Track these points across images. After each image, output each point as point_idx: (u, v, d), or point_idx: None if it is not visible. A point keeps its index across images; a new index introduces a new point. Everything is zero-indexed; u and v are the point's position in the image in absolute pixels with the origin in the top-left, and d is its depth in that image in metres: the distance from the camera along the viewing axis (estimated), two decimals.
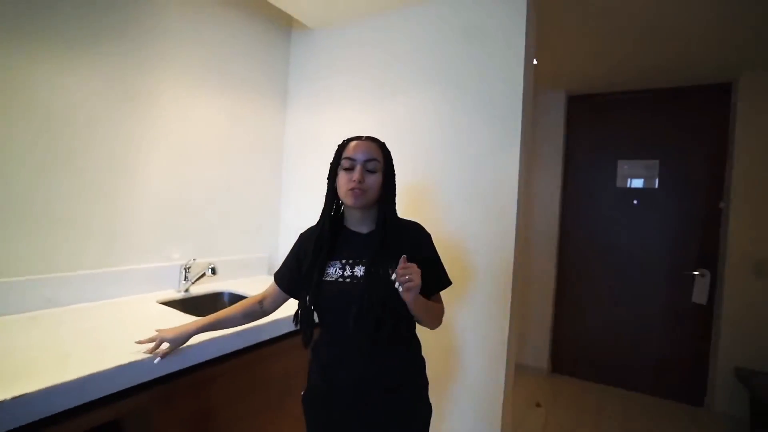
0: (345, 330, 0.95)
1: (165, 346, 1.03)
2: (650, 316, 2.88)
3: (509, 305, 1.65)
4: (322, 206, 1.05)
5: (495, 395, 1.69)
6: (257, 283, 1.99)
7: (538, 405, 2.65)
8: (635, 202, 2.94)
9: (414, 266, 0.87)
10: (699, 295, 2.68)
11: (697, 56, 2.37)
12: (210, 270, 1.70)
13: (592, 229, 3.09)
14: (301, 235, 1.12)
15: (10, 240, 1.27)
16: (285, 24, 2.28)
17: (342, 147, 1.02)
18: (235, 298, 1.83)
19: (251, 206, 2.16)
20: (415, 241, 1.02)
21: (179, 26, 1.72)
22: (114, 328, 1.24)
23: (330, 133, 2.16)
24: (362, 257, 0.97)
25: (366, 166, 0.97)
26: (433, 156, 1.84)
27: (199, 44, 1.81)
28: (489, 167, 1.72)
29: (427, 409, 1.06)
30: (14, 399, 0.78)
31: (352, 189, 0.95)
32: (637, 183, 2.93)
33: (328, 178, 1.04)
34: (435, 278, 1.04)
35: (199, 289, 1.79)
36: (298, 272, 1.05)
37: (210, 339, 1.17)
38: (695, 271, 2.72)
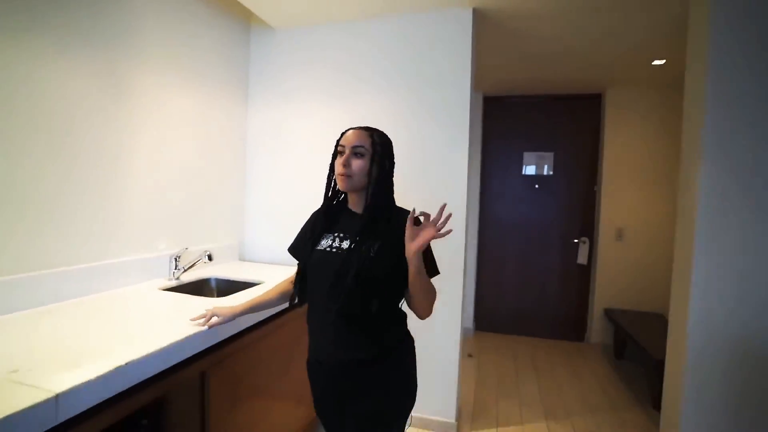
0: (323, 298, 1.06)
1: (215, 319, 1.23)
2: (548, 277, 3.65)
3: (462, 279, 2.10)
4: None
5: (453, 350, 2.14)
6: (235, 269, 2.14)
7: (470, 355, 3.22)
8: (536, 186, 3.65)
9: (430, 228, 0.95)
10: (582, 257, 3.50)
11: (577, 73, 3.06)
12: (207, 257, 1.83)
13: (506, 208, 3.74)
14: (313, 213, 1.25)
15: (12, 237, 1.30)
16: (245, 22, 2.38)
17: (340, 135, 1.12)
18: (222, 282, 1.98)
19: (219, 196, 2.27)
20: (403, 226, 1.01)
21: (152, 19, 1.77)
22: (141, 314, 1.37)
23: (293, 127, 2.36)
24: (353, 234, 1.06)
25: (353, 151, 1.06)
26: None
27: (169, 39, 1.86)
28: (441, 163, 2.12)
29: (405, 384, 1.10)
30: (126, 364, 0.95)
31: (341, 174, 1.06)
32: (538, 170, 3.64)
33: (330, 165, 1.14)
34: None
35: (188, 276, 1.90)
36: (303, 242, 1.19)
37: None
38: (580, 238, 3.53)
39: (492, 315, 3.82)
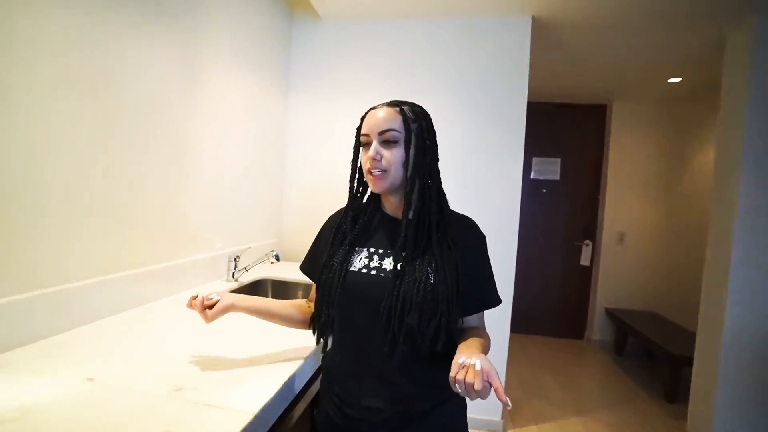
0: (362, 338, 0.80)
1: (212, 300, 0.88)
2: (552, 278, 3.81)
3: (512, 283, 2.15)
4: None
5: (501, 350, 2.18)
6: (282, 270, 2.05)
7: None
8: (543, 190, 3.79)
9: (474, 364, 0.62)
10: (585, 259, 3.68)
11: (587, 85, 3.21)
12: (274, 257, 1.73)
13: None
14: (330, 217, 0.95)
15: (89, 241, 1.15)
16: (288, 9, 2.27)
17: (360, 120, 0.83)
18: (278, 283, 1.88)
19: (261, 192, 2.15)
20: (461, 240, 0.81)
21: (221, 8, 1.64)
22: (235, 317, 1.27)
23: (335, 123, 2.29)
24: (395, 249, 0.78)
25: (382, 138, 0.78)
26: (443, 156, 2.18)
27: (232, 26, 1.74)
28: (494, 169, 2.14)
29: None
30: (290, 378, 0.88)
31: (371, 172, 0.78)
32: (545, 175, 3.78)
33: (352, 161, 0.86)
34: (479, 292, 0.82)
35: (244, 277, 1.79)
36: (321, 258, 0.87)
37: None
38: (583, 241, 3.71)
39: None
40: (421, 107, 0.85)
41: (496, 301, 0.84)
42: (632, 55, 2.55)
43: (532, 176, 3.80)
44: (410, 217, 0.79)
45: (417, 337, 0.73)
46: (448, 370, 0.66)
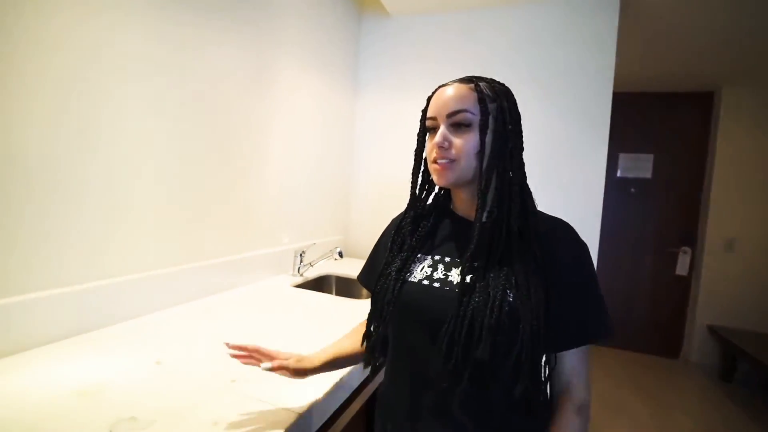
0: (420, 368, 0.64)
1: (267, 366, 0.70)
2: (639, 287, 3.41)
3: None
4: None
5: None
6: (345, 267, 2.06)
7: None
8: (632, 190, 3.41)
9: None
10: (682, 268, 3.24)
11: (689, 69, 2.80)
12: (338, 253, 1.75)
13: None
14: (392, 220, 0.85)
15: (164, 234, 1.23)
16: (357, 7, 2.28)
17: (426, 103, 0.71)
18: (342, 280, 1.89)
19: (328, 189, 2.18)
20: (553, 250, 0.63)
21: (285, 10, 1.68)
22: (299, 312, 1.29)
23: (405, 120, 2.24)
24: (464, 257, 0.64)
25: (452, 121, 0.65)
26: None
27: (300, 23, 1.78)
28: (575, 164, 1.95)
29: None
30: (342, 379, 0.85)
31: (436, 162, 0.66)
32: (634, 173, 3.40)
33: (416, 151, 0.74)
34: (579, 320, 0.62)
35: (309, 272, 1.82)
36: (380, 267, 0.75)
37: None
38: (679, 248, 3.27)
39: None
40: (503, 84, 0.69)
41: (602, 332, 0.62)
42: (749, 31, 2.17)
43: (618, 174, 3.44)
44: (484, 219, 0.65)
45: (488, 375, 0.58)
46: (532, 418, 0.57)
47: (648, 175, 3.36)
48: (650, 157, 3.35)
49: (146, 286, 1.10)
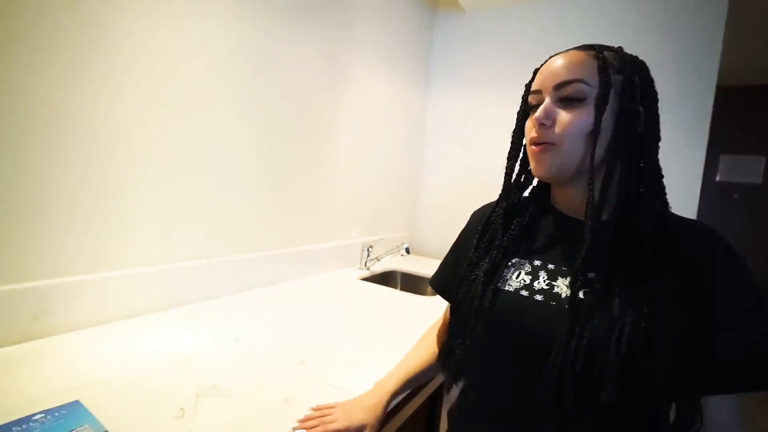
0: (518, 402, 0.52)
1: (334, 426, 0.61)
2: None
3: None
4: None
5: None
6: (411, 263, 2.05)
7: None
8: (735, 196, 3.01)
9: None
10: None
11: None
12: (405, 249, 1.76)
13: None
14: (474, 213, 0.72)
15: (246, 221, 1.31)
16: (429, 7, 2.26)
17: (533, 73, 0.59)
18: (407, 276, 1.90)
19: (397, 185, 2.20)
20: (701, 263, 0.48)
21: (357, 8, 1.71)
22: (367, 305, 1.31)
23: (477, 118, 2.18)
24: (574, 264, 0.49)
25: (560, 95, 0.52)
26: None
27: (372, 22, 1.80)
28: (669, 162, 1.76)
29: None
30: None
31: (535, 143, 0.53)
32: (739, 177, 3.00)
33: (513, 132, 0.62)
34: (752, 353, 0.45)
35: (375, 267, 1.85)
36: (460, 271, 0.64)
37: None
38: None
39: None
40: (634, 55, 0.55)
41: None
42: None
43: (717, 178, 3.06)
44: (604, 218, 0.50)
45: (611, 424, 0.44)
46: None
47: (758, 179, 2.95)
48: (761, 160, 2.93)
49: (227, 269, 1.20)
